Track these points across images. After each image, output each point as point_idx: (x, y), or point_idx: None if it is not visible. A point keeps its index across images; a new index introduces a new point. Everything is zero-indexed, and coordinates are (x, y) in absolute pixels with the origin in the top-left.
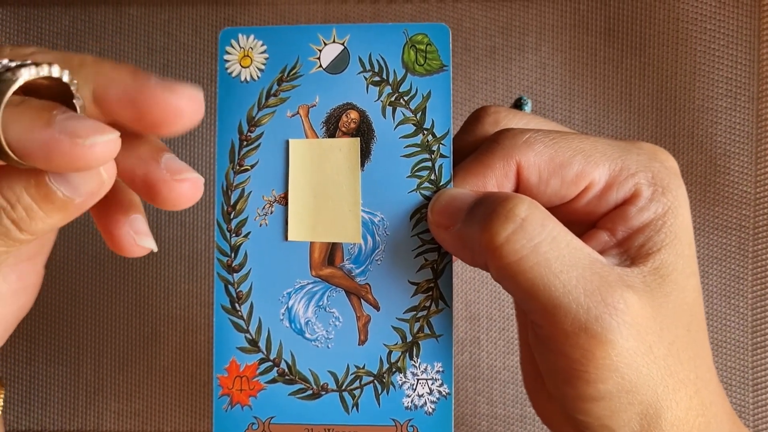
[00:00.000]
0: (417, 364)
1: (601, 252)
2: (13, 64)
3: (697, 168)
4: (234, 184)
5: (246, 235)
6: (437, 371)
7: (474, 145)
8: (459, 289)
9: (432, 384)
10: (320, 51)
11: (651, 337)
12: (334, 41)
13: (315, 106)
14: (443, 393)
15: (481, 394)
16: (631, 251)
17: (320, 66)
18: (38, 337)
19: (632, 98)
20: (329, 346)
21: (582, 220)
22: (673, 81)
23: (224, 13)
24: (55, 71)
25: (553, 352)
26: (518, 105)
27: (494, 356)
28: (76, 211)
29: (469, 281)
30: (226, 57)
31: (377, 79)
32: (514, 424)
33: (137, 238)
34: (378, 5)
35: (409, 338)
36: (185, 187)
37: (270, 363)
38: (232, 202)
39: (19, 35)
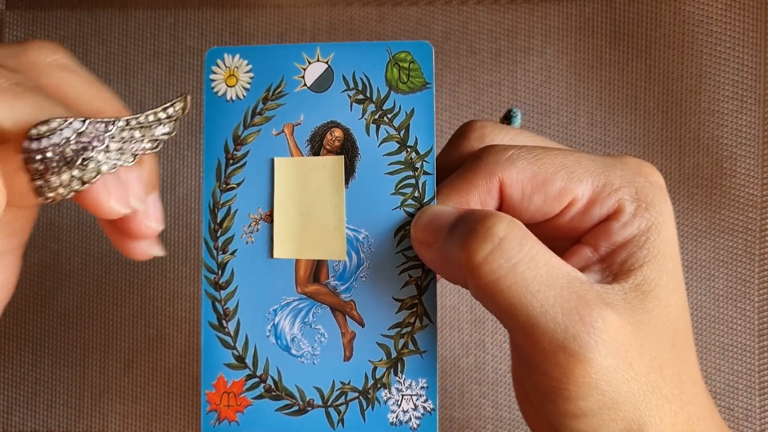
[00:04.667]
0: (402, 380)
1: (584, 268)
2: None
3: (703, 171)
4: (221, 203)
5: (233, 253)
6: (422, 387)
7: (460, 161)
8: (464, 291)
9: (417, 400)
10: (305, 70)
11: (631, 354)
12: (318, 60)
13: (300, 124)
14: (428, 408)
15: (485, 397)
16: (614, 267)
17: (305, 84)
18: (44, 340)
19: (638, 101)
20: (315, 362)
21: (566, 236)
22: (679, 84)
23: (230, 17)
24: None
25: (534, 371)
26: (508, 117)
27: (499, 359)
28: None
29: None
30: (212, 77)
31: (361, 97)
32: (519, 427)
33: (148, 246)
34: (383, 8)
35: (394, 354)
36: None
37: (257, 379)
38: (218, 220)
39: (26, 38)
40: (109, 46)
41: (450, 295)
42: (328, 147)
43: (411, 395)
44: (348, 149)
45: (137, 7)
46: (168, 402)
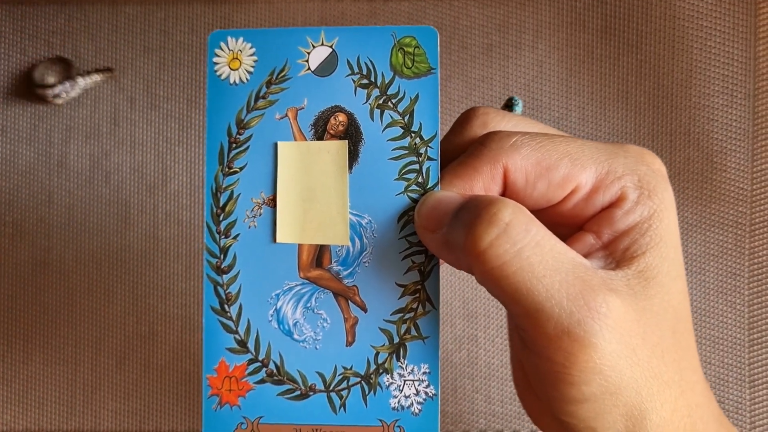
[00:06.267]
0: (404, 366)
1: (587, 254)
2: None
3: (694, 165)
4: (223, 186)
5: (235, 237)
6: (424, 372)
7: (462, 147)
8: (457, 286)
9: (419, 385)
10: (309, 53)
11: (634, 340)
12: (322, 44)
13: (303, 108)
14: (430, 394)
15: (478, 391)
16: (617, 254)
17: (309, 68)
18: (35, 337)
19: (629, 96)
20: (317, 347)
21: (569, 222)
22: (669, 78)
23: (221, 12)
24: None
25: (537, 355)
26: (509, 105)
27: (492, 354)
28: None
29: (467, 278)
30: (215, 60)
31: (365, 81)
32: (511, 421)
33: None
34: (374, 3)
35: (396, 340)
36: None
37: (259, 363)
38: (221, 204)
39: (15, 33)
40: (99, 42)
41: (443, 290)
42: (331, 131)
43: (413, 380)
44: (352, 134)
45: (127, 3)
46: (160, 399)
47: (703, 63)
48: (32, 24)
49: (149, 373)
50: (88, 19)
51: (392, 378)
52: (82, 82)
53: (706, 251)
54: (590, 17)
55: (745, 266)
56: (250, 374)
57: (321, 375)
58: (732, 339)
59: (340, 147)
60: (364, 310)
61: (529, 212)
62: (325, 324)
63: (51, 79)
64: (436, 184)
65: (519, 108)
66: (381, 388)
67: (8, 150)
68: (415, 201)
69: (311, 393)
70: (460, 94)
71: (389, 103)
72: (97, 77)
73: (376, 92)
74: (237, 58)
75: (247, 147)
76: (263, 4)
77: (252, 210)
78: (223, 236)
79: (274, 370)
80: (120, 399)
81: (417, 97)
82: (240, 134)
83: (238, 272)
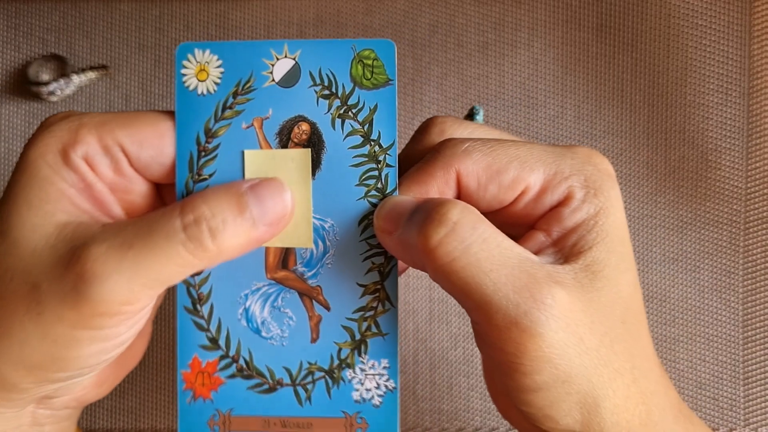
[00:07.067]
0: (365, 361)
1: (538, 251)
2: None
3: (689, 163)
4: (193, 193)
5: None
6: (384, 367)
7: (421, 154)
8: None
9: (379, 379)
10: (273, 65)
11: (581, 329)
12: (286, 56)
13: (268, 118)
14: (389, 387)
15: (474, 389)
16: (565, 250)
17: (273, 80)
18: None
19: (624, 94)
20: (284, 344)
21: (521, 222)
22: (664, 77)
23: (216, 9)
24: None
25: (491, 347)
26: (471, 115)
27: None
28: (254, 237)
29: None
30: (183, 71)
31: (327, 92)
32: None
33: None
34: (370, 1)
35: (358, 336)
36: None
37: (229, 360)
38: None
39: (9, 30)
40: (94, 39)
41: (438, 288)
42: (295, 140)
43: (374, 375)
44: (314, 142)
45: (122, 0)
46: (156, 396)
47: (698, 61)
48: (27, 21)
49: (145, 370)
50: (82, 16)
51: (354, 372)
52: (77, 80)
53: (701, 249)
54: (586, 15)
55: (740, 264)
56: (221, 369)
57: (288, 370)
58: (726, 336)
59: (304, 155)
60: (328, 308)
61: (477, 212)
62: (291, 322)
63: (46, 77)
64: (394, 190)
65: (480, 117)
66: (344, 381)
67: (3, 148)
68: (374, 206)
69: (279, 387)
70: (456, 92)
71: (350, 112)
72: (91, 74)
73: (337, 102)
74: (204, 70)
75: (216, 155)
76: (259, 1)
77: None
78: None
79: (244, 366)
80: (115, 397)
81: (376, 107)
82: (209, 143)
83: (209, 274)
